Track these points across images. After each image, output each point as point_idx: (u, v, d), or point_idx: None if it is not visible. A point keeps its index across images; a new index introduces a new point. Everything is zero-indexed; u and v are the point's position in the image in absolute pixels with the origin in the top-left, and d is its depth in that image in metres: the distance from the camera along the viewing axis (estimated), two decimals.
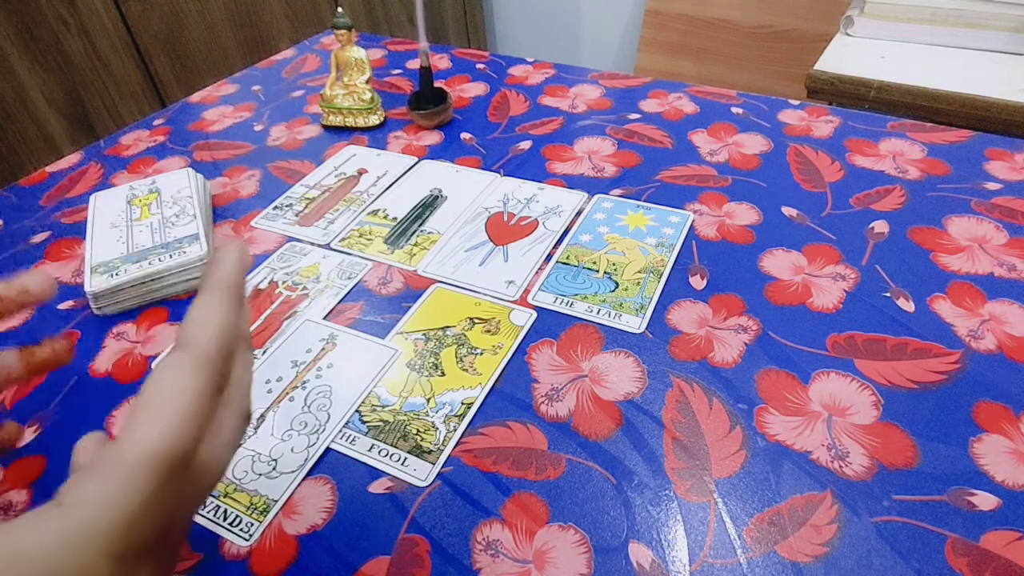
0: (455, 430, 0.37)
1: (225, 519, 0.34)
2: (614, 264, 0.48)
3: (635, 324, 0.43)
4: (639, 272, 0.47)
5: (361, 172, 0.61)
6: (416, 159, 0.62)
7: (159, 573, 0.19)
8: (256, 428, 0.38)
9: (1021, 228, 0.48)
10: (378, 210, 0.56)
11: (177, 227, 0.50)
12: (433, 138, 0.66)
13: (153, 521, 0.18)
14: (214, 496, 0.35)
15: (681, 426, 0.37)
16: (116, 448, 0.18)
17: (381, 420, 0.38)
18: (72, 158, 0.67)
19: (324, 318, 0.45)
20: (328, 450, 0.37)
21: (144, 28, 1.07)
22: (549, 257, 0.49)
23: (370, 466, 0.36)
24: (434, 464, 0.36)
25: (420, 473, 0.35)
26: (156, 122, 0.73)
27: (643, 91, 0.70)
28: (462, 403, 0.39)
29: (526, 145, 0.63)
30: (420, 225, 0.54)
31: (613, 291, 0.45)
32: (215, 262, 0.22)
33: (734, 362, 0.40)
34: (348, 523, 0.33)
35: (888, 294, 0.44)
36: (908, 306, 0.43)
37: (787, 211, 0.52)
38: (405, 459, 0.36)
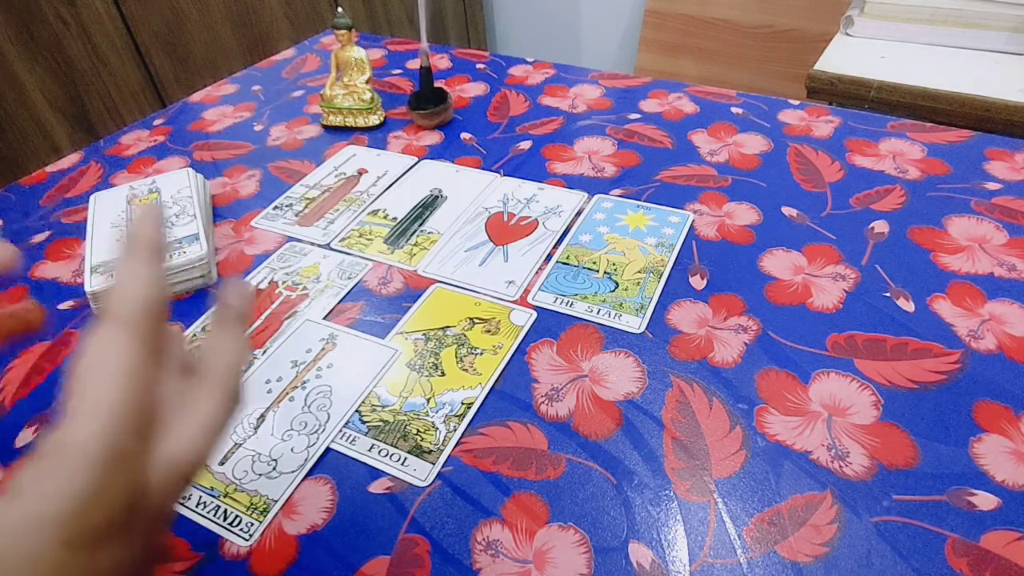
0: (455, 430, 0.37)
1: (225, 519, 0.34)
2: (614, 264, 0.48)
3: (635, 324, 0.43)
4: (639, 272, 0.47)
5: (361, 172, 0.61)
6: (416, 159, 0.62)
7: (128, 559, 0.19)
8: (256, 428, 0.38)
9: (1021, 228, 0.48)
10: (378, 210, 0.56)
11: (177, 227, 0.50)
12: (433, 138, 0.66)
13: (107, 507, 0.18)
14: (214, 496, 0.35)
15: (681, 426, 0.37)
16: (61, 437, 0.18)
17: (381, 420, 0.38)
18: (72, 158, 0.67)
19: (324, 318, 0.45)
20: (328, 450, 0.37)
21: (144, 28, 1.07)
22: (549, 257, 0.49)
23: (370, 466, 0.36)
24: (434, 464, 0.36)
25: (420, 473, 0.35)
26: (156, 122, 0.73)
27: (643, 91, 0.70)
28: (462, 403, 0.39)
29: (526, 145, 0.63)
30: (420, 225, 0.54)
31: (613, 291, 0.45)
32: (131, 228, 0.22)
33: (734, 362, 0.40)
34: (348, 523, 0.33)
35: (888, 294, 0.44)
36: (908, 306, 0.43)
37: (787, 211, 0.52)
38: (405, 459, 0.36)
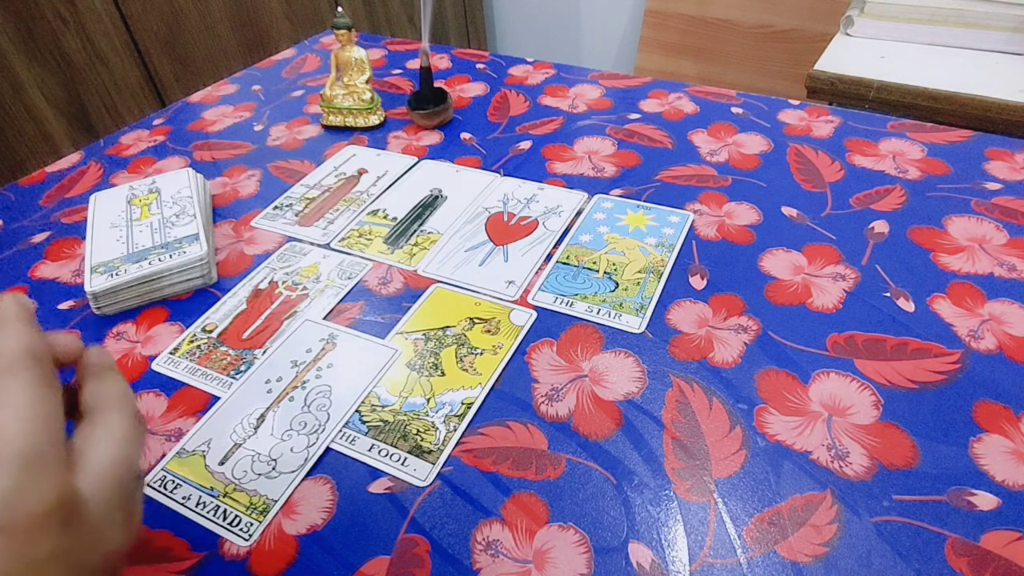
0: (455, 430, 0.37)
1: (225, 519, 0.34)
2: (614, 264, 0.48)
3: (635, 324, 0.43)
4: (639, 272, 0.47)
5: (361, 172, 0.61)
6: (416, 159, 0.62)
7: (73, 554, 0.21)
8: (256, 428, 0.38)
9: (1021, 228, 0.48)
10: (378, 210, 0.56)
11: (177, 227, 0.50)
12: (433, 138, 0.66)
13: (34, 501, 0.20)
14: (214, 496, 0.35)
15: (681, 426, 0.37)
16: None
17: (381, 420, 0.38)
18: (72, 158, 0.67)
19: (324, 318, 0.45)
20: (328, 450, 0.37)
21: (144, 28, 1.07)
22: (549, 257, 0.49)
23: (370, 466, 0.36)
24: (434, 464, 0.36)
25: (420, 473, 0.35)
26: (156, 122, 0.73)
27: (643, 91, 0.70)
28: (462, 403, 0.39)
29: (526, 145, 0.63)
30: (420, 225, 0.54)
31: (613, 291, 0.45)
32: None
33: (734, 362, 0.40)
34: (348, 523, 0.33)
35: (888, 294, 0.44)
36: (908, 306, 0.43)
37: (787, 211, 0.52)
38: (405, 459, 0.36)
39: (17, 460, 0.20)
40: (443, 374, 0.41)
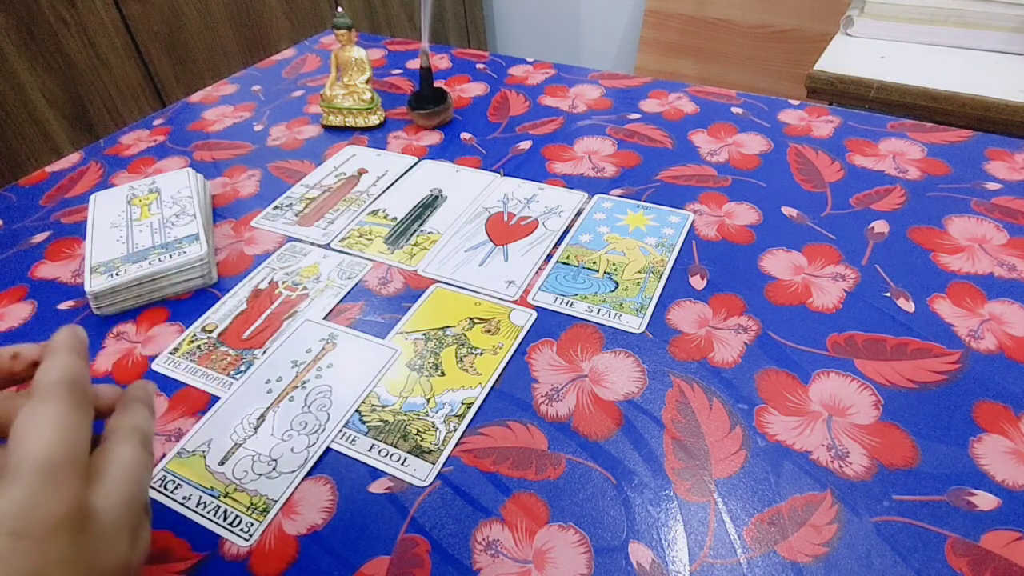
0: (455, 430, 0.37)
1: (225, 519, 0.34)
2: (614, 264, 0.48)
3: (635, 324, 0.43)
4: (639, 272, 0.47)
5: (361, 172, 0.61)
6: (416, 159, 0.62)
7: (82, 561, 0.22)
8: (256, 428, 0.38)
9: (1021, 228, 0.48)
10: (378, 210, 0.56)
11: (177, 227, 0.50)
12: (433, 138, 0.66)
13: (47, 510, 0.22)
14: (214, 496, 0.35)
15: (681, 426, 0.37)
16: (5, 458, 0.23)
17: (381, 420, 0.38)
18: (72, 158, 0.67)
19: (324, 318, 0.45)
20: (328, 450, 0.37)
21: (144, 28, 1.07)
22: (549, 257, 0.49)
23: (370, 466, 0.36)
24: (434, 464, 0.36)
25: (420, 473, 0.35)
26: (156, 122, 0.73)
27: (643, 91, 0.70)
28: (462, 403, 0.39)
29: (526, 145, 0.63)
30: (420, 225, 0.54)
31: (613, 291, 0.45)
32: (54, 338, 0.27)
33: (734, 362, 0.40)
34: (348, 523, 0.33)
35: (888, 294, 0.44)
36: (908, 306, 0.43)
37: (787, 211, 0.52)
38: (405, 459, 0.36)
39: (36, 471, 0.22)
40: (443, 374, 0.41)
